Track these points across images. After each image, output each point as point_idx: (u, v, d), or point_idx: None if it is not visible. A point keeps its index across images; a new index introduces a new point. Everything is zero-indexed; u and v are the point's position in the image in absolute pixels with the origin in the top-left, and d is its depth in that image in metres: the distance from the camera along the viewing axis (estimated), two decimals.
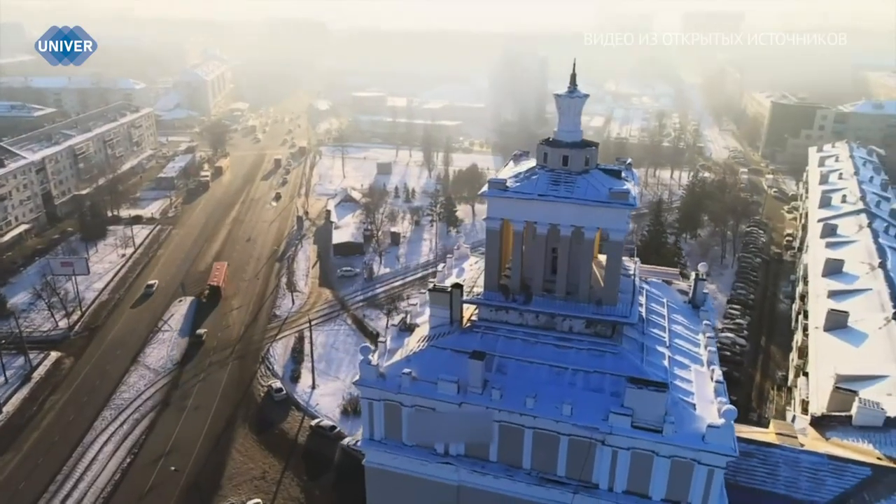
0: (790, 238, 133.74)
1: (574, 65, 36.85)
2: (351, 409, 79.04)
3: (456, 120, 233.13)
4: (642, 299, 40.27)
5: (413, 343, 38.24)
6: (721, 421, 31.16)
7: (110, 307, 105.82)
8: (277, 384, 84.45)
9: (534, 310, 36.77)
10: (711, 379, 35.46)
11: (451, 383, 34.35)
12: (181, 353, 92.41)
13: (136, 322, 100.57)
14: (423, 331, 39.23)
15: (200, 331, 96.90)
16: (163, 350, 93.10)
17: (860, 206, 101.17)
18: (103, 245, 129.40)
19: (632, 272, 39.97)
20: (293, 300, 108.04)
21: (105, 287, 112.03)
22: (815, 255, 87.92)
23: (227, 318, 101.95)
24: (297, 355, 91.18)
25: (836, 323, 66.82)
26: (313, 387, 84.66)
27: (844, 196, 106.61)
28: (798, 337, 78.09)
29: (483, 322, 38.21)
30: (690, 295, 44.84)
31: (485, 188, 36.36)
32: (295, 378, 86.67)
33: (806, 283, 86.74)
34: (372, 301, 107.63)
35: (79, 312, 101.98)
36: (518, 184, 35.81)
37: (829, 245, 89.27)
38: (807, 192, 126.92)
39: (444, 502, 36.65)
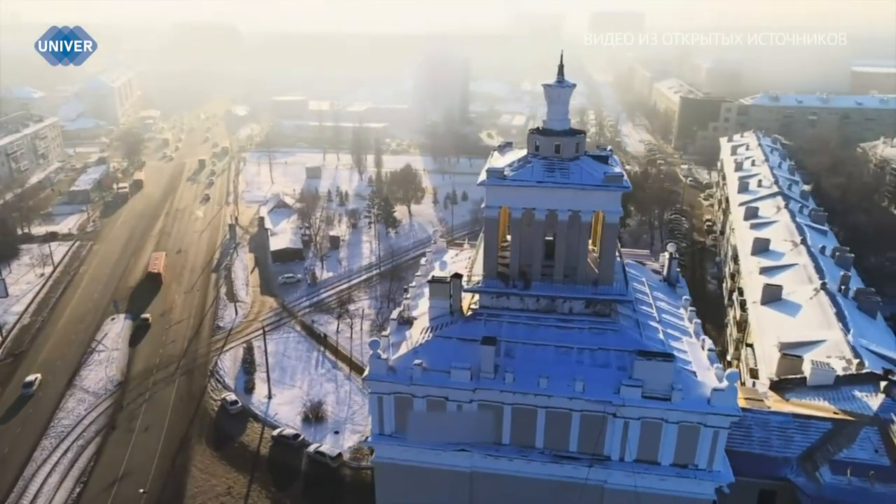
0: (710, 223, 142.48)
1: (561, 56, 38.37)
2: (312, 416, 77.72)
3: (381, 122, 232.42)
4: None
5: (416, 335, 38.44)
6: (725, 384, 33.47)
7: (34, 331, 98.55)
8: (231, 397, 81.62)
9: (535, 294, 37.87)
10: (703, 348, 37.90)
11: (464, 370, 34.85)
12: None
13: (66, 345, 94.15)
14: (423, 322, 39.48)
15: (145, 315, 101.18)
16: (101, 371, 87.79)
17: (775, 189, 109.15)
18: (17, 265, 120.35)
19: (616, 254, 41.86)
20: (236, 310, 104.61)
21: (25, 310, 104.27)
22: (742, 236, 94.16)
23: (169, 333, 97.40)
24: (247, 366, 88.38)
25: (772, 296, 71.92)
26: (269, 396, 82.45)
27: (760, 181, 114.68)
28: (735, 312, 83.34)
29: (484, 309, 38.92)
30: (665, 274, 47.50)
31: (482, 177, 37.17)
32: (249, 389, 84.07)
33: (736, 262, 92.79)
34: (319, 306, 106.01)
35: None
36: (514, 172, 36.84)
37: (753, 226, 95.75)
38: (724, 179, 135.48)
39: (458, 489, 37.10)
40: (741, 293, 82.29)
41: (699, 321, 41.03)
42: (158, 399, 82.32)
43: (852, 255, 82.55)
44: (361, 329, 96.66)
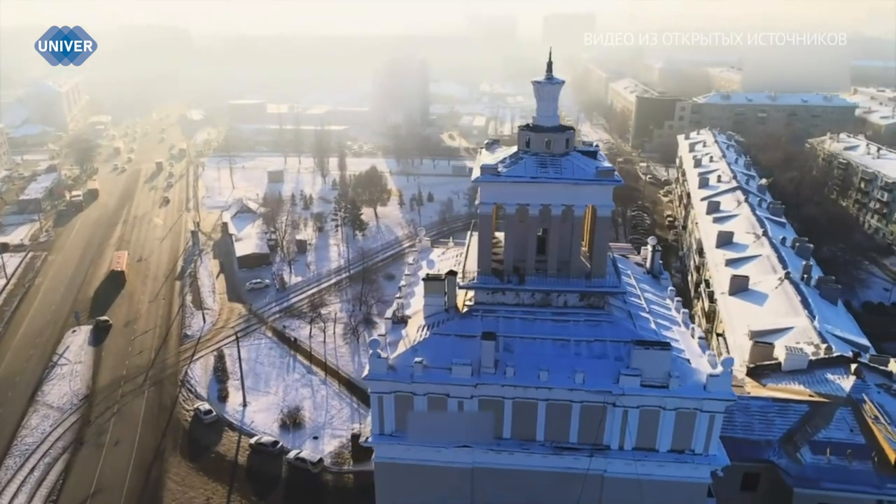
0: (671, 219, 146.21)
1: (550, 54, 38.94)
2: (290, 422, 76.61)
3: (342, 124, 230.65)
4: None
5: (413, 333, 38.36)
6: (720, 370, 34.53)
7: None
8: (205, 406, 79.77)
9: (531, 288, 38.28)
10: (693, 336, 39.01)
11: (465, 366, 34.96)
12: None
13: (25, 360, 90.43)
14: (418, 320, 39.42)
15: (104, 318, 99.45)
16: (64, 385, 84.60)
17: (734, 184, 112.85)
18: None
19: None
20: (204, 318, 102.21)
21: None
22: (705, 230, 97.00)
23: (135, 343, 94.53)
24: (220, 374, 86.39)
25: (739, 287, 74.44)
26: (244, 404, 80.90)
27: (719, 176, 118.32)
28: (703, 304, 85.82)
29: (480, 305, 39.12)
30: (649, 266, 48.67)
31: (476, 174, 37.43)
32: (223, 397, 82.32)
33: (700, 255, 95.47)
34: (289, 311, 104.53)
35: None
36: (508, 169, 37.21)
37: (715, 220, 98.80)
38: (683, 175, 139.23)
39: (459, 485, 37.20)
40: (708, 285, 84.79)
41: (686, 311, 42.28)
42: (128, 412, 79.82)
43: (811, 245, 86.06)
44: (335, 333, 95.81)
